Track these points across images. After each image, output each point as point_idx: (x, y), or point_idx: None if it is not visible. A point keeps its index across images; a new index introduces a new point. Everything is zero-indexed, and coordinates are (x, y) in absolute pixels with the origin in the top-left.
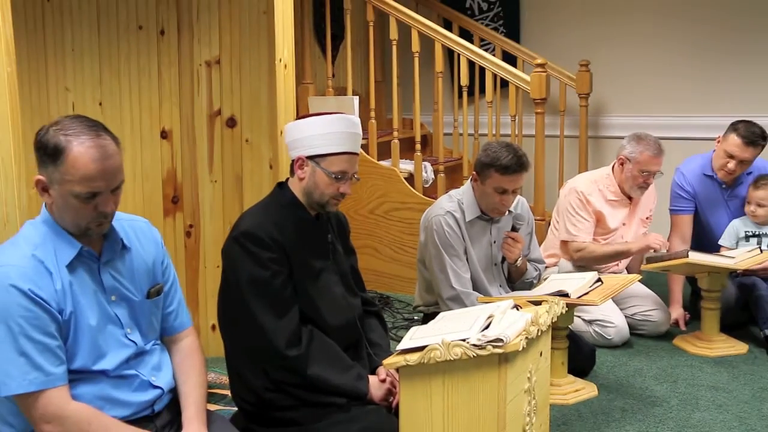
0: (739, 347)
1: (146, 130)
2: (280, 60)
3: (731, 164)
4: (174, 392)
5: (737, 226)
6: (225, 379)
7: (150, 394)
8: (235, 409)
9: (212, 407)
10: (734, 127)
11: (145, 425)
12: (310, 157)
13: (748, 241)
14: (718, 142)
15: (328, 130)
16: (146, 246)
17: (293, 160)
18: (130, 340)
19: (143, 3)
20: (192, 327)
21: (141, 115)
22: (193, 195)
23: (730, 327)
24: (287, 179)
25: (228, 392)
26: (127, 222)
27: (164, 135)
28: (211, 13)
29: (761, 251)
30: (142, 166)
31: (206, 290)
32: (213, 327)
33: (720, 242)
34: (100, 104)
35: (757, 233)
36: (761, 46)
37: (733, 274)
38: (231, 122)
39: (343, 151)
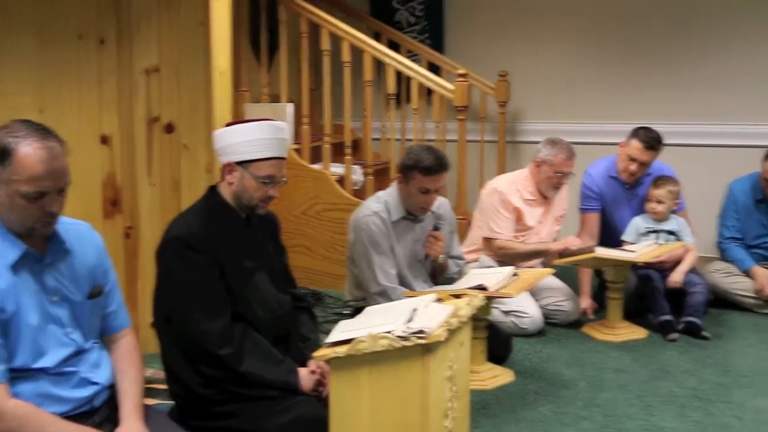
0: (640, 332)
1: (86, 135)
2: (217, 68)
3: (633, 166)
4: (113, 389)
5: (638, 223)
6: (163, 374)
7: (89, 390)
8: (173, 402)
9: (151, 401)
10: (635, 133)
11: (85, 421)
12: (239, 163)
13: (647, 236)
14: (622, 146)
15: (255, 137)
16: (87, 249)
17: (223, 165)
18: (70, 339)
19: (83, 13)
20: (131, 327)
21: (81, 121)
22: (133, 198)
23: (632, 314)
24: (218, 183)
25: (166, 386)
26: (70, 226)
27: (104, 140)
28: (150, 24)
29: (658, 246)
30: (83, 171)
31: (145, 289)
32: (152, 324)
33: (623, 237)
34: (41, 111)
35: (655, 229)
36: (658, 61)
37: (634, 266)
38: (169, 128)
39: (269, 156)
